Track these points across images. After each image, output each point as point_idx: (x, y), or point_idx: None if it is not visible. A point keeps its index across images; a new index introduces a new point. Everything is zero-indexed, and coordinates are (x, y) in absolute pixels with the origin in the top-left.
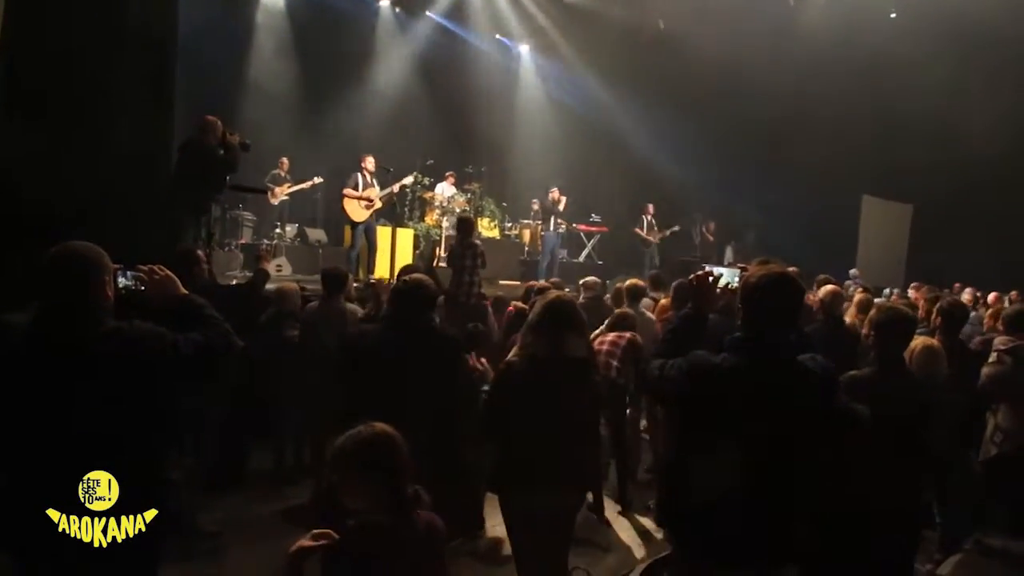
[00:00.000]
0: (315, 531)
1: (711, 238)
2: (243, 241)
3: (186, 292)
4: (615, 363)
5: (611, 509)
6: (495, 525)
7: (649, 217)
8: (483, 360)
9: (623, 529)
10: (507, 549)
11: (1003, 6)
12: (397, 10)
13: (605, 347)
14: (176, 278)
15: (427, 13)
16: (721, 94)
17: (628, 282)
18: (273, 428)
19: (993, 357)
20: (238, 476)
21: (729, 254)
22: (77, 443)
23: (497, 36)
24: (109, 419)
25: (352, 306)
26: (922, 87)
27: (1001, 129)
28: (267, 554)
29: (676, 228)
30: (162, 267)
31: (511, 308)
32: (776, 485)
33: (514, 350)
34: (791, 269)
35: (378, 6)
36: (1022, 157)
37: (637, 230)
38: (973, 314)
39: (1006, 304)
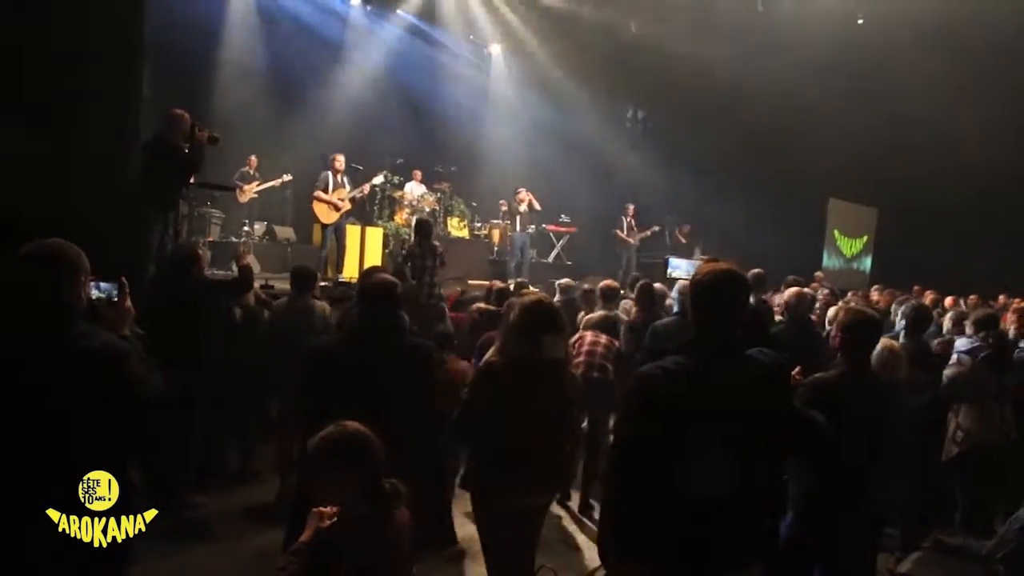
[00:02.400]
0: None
1: (683, 240)
2: (211, 239)
3: (128, 333)
4: (595, 371)
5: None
6: (466, 523)
7: (629, 218)
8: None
9: (590, 527)
10: (477, 546)
11: (969, 11)
12: (368, 8)
13: (585, 347)
14: (133, 313)
15: (398, 11)
16: (693, 97)
17: (602, 283)
18: (239, 426)
19: (953, 359)
20: (204, 475)
21: (697, 255)
22: (33, 436)
23: (471, 37)
24: (73, 416)
25: (320, 303)
26: (890, 93)
27: (969, 134)
28: (233, 552)
29: (656, 228)
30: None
31: (476, 310)
32: (734, 484)
33: (491, 351)
34: (757, 270)
35: (349, 3)
36: (989, 162)
37: (617, 231)
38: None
39: (962, 307)
